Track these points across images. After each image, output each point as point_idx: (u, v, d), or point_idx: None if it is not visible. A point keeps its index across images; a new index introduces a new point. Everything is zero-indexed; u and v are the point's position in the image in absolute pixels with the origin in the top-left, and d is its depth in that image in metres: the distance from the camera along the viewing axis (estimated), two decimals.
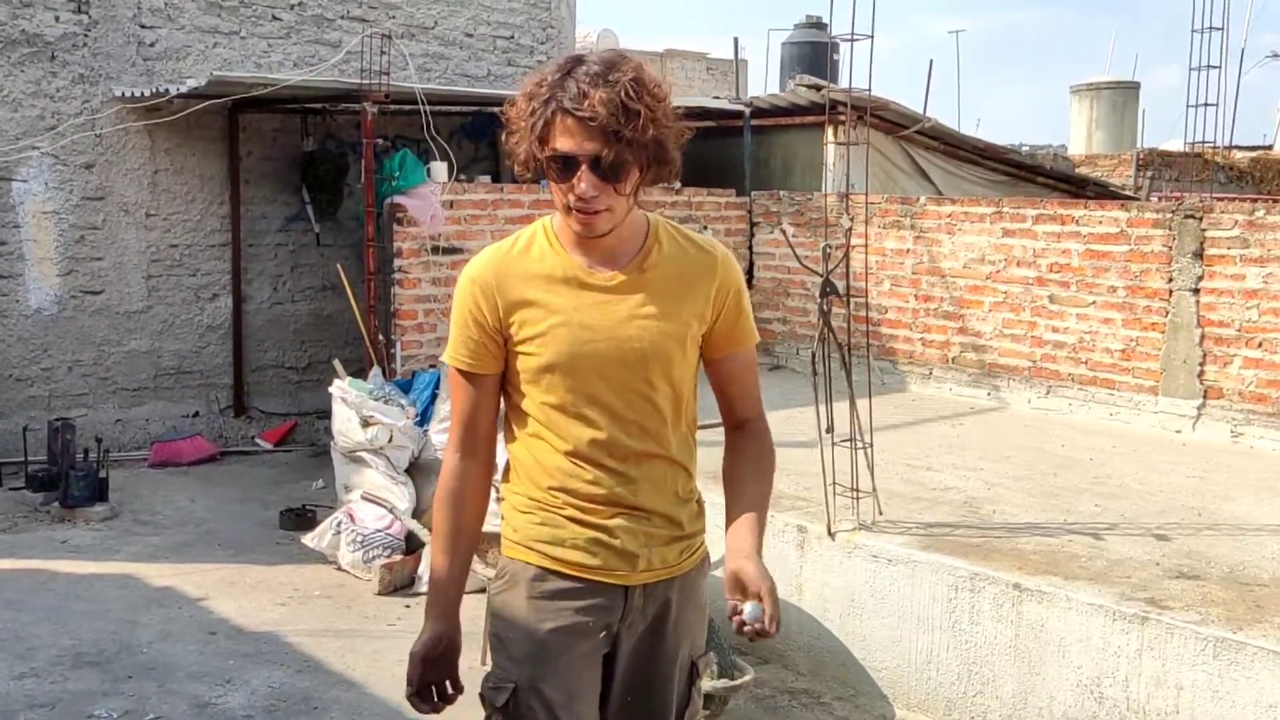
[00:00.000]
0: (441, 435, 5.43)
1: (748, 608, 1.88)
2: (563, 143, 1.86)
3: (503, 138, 1.99)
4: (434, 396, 5.63)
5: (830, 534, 4.13)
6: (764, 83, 17.68)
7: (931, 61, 12.51)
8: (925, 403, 6.62)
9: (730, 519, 2.03)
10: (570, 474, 2.02)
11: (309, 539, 5.39)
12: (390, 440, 5.38)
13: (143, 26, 7.26)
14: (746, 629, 1.88)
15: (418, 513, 5.28)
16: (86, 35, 7.04)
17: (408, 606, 4.93)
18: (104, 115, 7.09)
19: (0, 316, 6.89)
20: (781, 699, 4.14)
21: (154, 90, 6.89)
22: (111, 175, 7.20)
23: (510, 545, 2.09)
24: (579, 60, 1.90)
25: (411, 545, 5.18)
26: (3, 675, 4.11)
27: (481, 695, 2.08)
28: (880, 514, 4.22)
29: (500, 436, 2.15)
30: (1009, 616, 3.70)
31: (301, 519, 5.87)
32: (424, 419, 5.58)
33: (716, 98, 9.26)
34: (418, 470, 5.49)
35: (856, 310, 6.52)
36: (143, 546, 5.64)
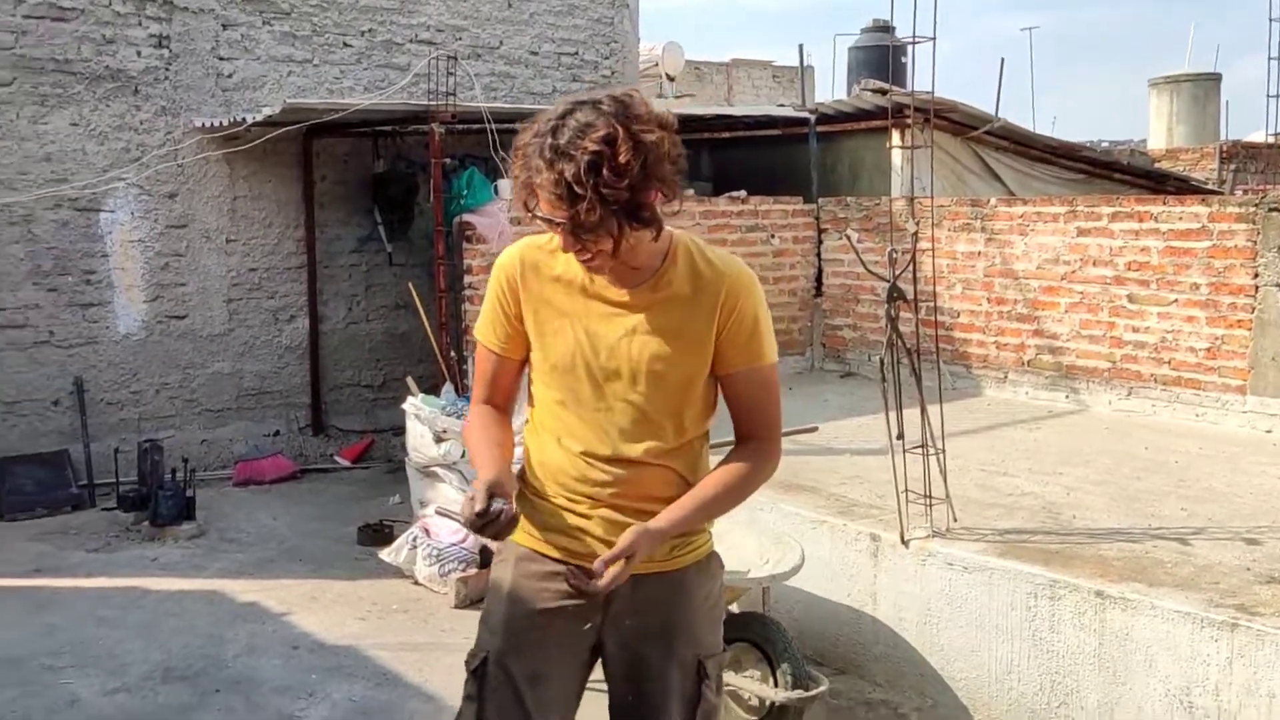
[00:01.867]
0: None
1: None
2: (541, 207, 1.94)
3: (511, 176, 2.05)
4: None
5: (904, 542, 4.07)
6: (831, 89, 17.58)
7: (1003, 60, 12.33)
8: (1000, 407, 6.50)
9: None
10: (561, 468, 2.11)
11: (386, 554, 5.48)
12: (463, 455, 5.45)
13: (220, 58, 7.48)
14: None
15: None
16: (168, 69, 7.28)
17: None
18: (185, 145, 7.31)
19: (92, 343, 7.13)
20: (858, 710, 4.09)
21: (232, 119, 7.10)
22: (193, 203, 7.42)
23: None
24: (565, 116, 1.91)
25: (485, 559, 5.23)
26: (96, 691, 4.25)
27: (465, 661, 2.20)
28: (955, 521, 4.16)
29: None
30: (1092, 625, 3.61)
31: (379, 534, 5.97)
32: None
33: (781, 105, 9.25)
34: None
35: (927, 315, 6.44)
36: (228, 563, 5.79)
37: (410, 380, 6.07)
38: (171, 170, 7.29)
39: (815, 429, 5.83)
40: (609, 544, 2.05)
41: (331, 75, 7.86)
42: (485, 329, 2.20)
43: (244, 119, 6.95)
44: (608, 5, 9.09)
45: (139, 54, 7.18)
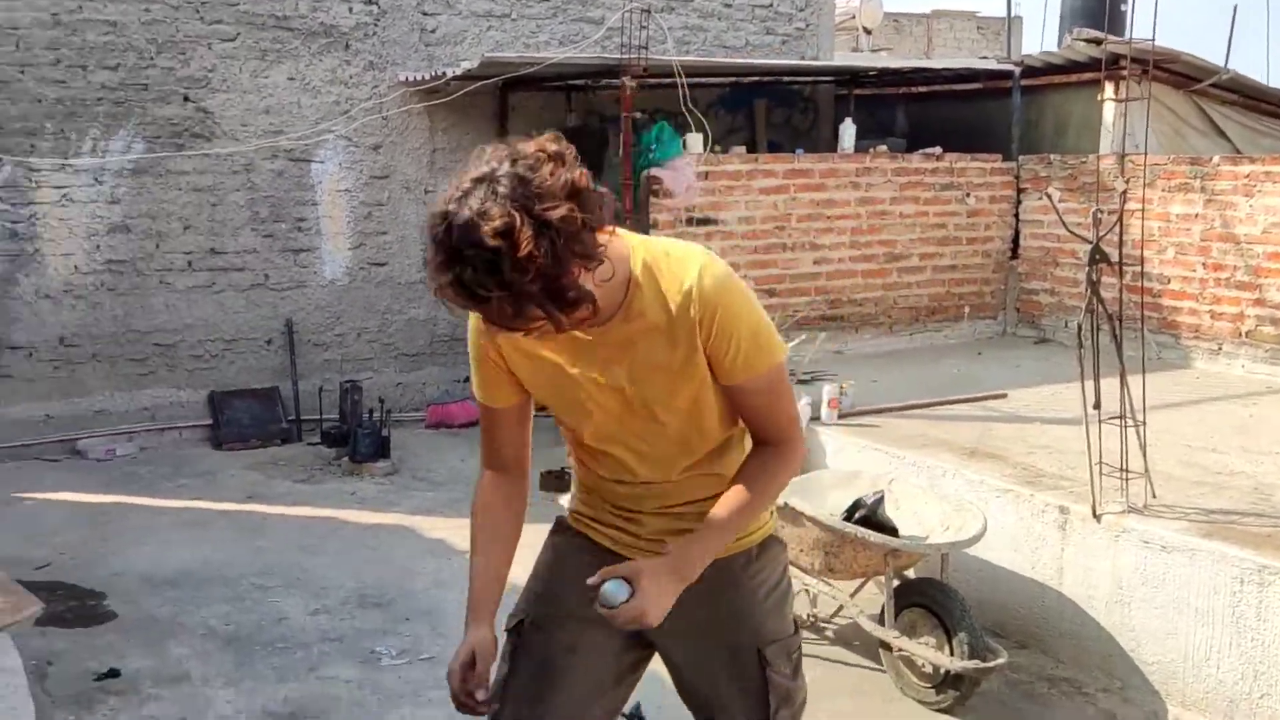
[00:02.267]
0: None
1: (608, 585, 1.86)
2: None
3: None
4: None
5: (1095, 516, 3.89)
6: (1040, 40, 16.69)
7: (1235, 7, 11.39)
8: (1211, 380, 6.09)
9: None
10: (598, 485, 2.10)
11: (566, 499, 5.62)
12: None
13: (425, 14, 7.73)
14: (599, 606, 1.88)
15: None
16: (376, 25, 7.58)
17: None
18: (389, 99, 7.61)
19: (301, 287, 7.57)
20: (1040, 686, 3.95)
21: (433, 74, 7.34)
22: (395, 155, 7.73)
23: (569, 512, 2.25)
24: (461, 200, 1.64)
25: None
26: (300, 610, 4.55)
27: (506, 621, 2.18)
28: (1153, 497, 3.93)
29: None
30: None
31: (561, 481, 6.12)
32: None
33: (984, 58, 8.85)
34: None
35: (1134, 280, 6.09)
36: (419, 501, 6.08)
37: None
38: (376, 123, 7.61)
39: (1004, 395, 5.64)
40: (659, 539, 2.01)
41: (528, 30, 8.00)
42: (478, 387, 2.07)
43: (444, 73, 7.17)
44: None
45: (350, 10, 7.50)
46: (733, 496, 1.97)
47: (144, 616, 4.48)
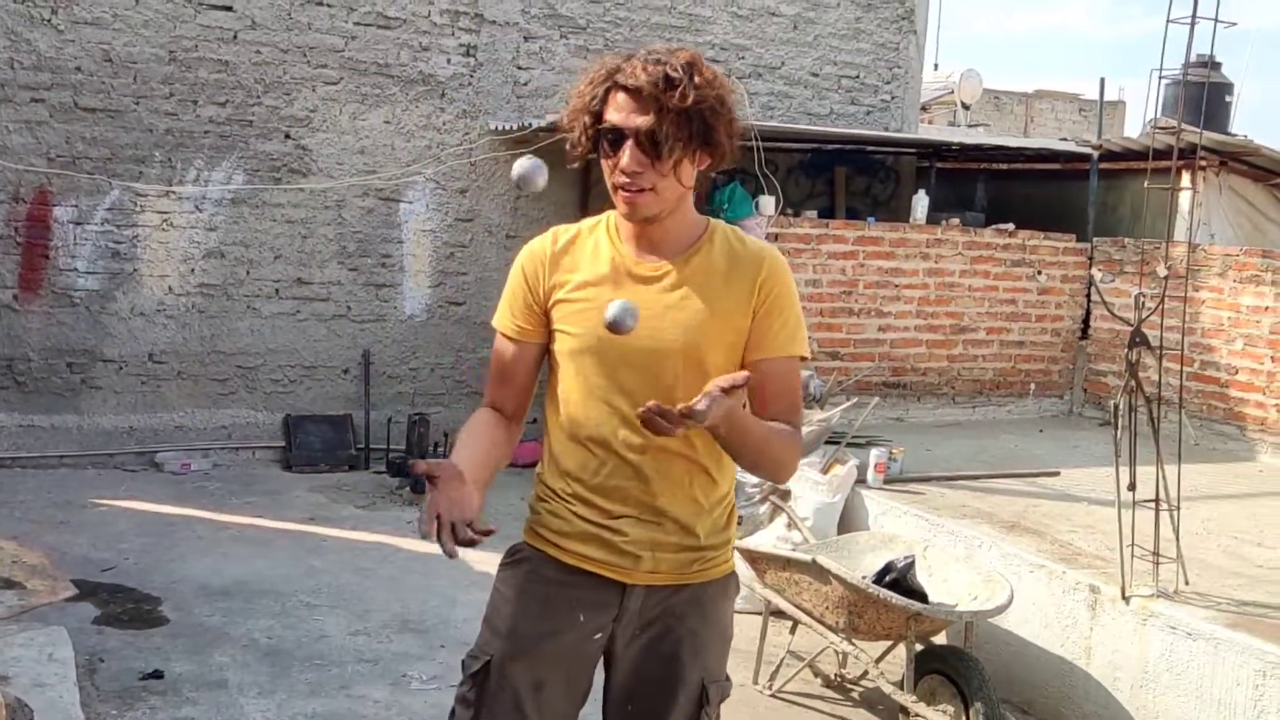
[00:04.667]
0: None
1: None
2: (612, 116, 1.97)
3: (563, 117, 2.08)
4: None
5: (1124, 598, 3.86)
6: (1142, 126, 16.50)
7: None
8: (1275, 475, 5.95)
9: None
10: (585, 464, 2.04)
11: None
12: None
13: (519, 68, 8.05)
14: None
15: None
16: (471, 76, 7.92)
17: None
18: (479, 145, 7.92)
19: (380, 320, 7.86)
20: None
21: (520, 124, 7.63)
22: (480, 200, 8.03)
23: (526, 530, 2.17)
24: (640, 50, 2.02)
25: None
26: (342, 630, 4.71)
27: (462, 662, 2.12)
28: (1186, 584, 3.89)
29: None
30: None
31: None
32: None
33: (1064, 140, 8.86)
34: None
35: (1204, 370, 6.03)
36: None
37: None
38: (464, 168, 7.92)
39: (1056, 473, 5.61)
40: (630, 554, 2.02)
41: None
42: (505, 316, 2.15)
43: (530, 124, 7.45)
44: (894, 31, 9.04)
45: (449, 61, 7.85)
46: (776, 428, 1.99)
47: (194, 623, 4.67)
